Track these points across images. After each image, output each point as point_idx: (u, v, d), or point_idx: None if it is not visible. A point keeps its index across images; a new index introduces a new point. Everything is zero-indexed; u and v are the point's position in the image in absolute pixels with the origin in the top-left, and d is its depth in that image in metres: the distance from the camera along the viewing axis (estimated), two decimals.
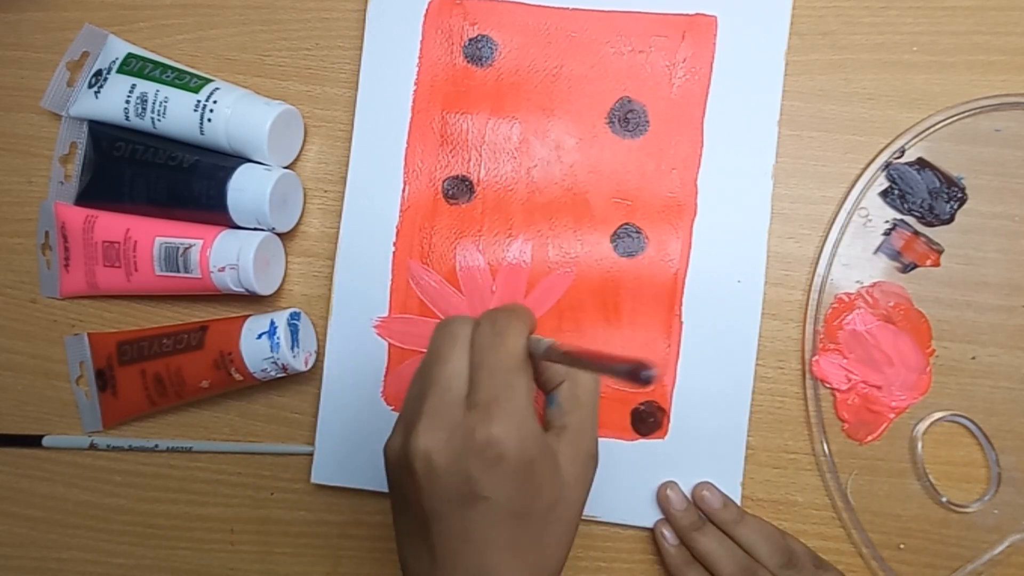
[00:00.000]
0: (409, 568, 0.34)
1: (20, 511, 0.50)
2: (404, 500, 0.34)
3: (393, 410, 0.46)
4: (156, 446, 0.49)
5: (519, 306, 0.36)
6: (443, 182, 0.47)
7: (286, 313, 0.45)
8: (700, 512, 0.44)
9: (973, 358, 0.45)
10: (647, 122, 0.46)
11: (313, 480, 0.47)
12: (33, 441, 0.50)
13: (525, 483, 0.32)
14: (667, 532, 0.44)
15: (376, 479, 0.46)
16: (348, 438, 0.46)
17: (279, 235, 0.47)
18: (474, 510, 0.32)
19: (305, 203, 0.49)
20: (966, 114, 0.45)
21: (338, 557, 0.48)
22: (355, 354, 0.47)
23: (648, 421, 0.45)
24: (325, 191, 0.48)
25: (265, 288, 0.46)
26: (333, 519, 0.48)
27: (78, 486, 0.50)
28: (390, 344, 0.47)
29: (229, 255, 0.45)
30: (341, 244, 0.47)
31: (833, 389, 0.45)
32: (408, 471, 0.32)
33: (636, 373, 0.27)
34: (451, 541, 0.32)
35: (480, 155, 0.47)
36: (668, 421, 0.45)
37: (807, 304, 0.45)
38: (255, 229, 0.46)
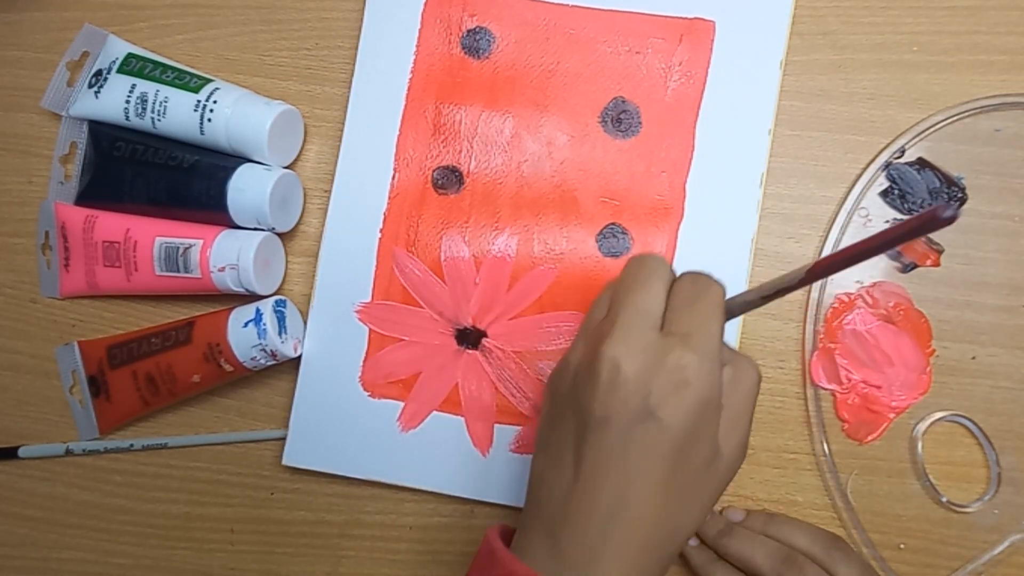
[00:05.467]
0: (545, 481, 0.35)
1: (20, 511, 0.50)
2: (567, 408, 0.34)
3: (370, 396, 0.46)
4: (131, 445, 0.49)
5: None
6: (433, 172, 0.47)
7: (271, 300, 0.45)
8: (725, 519, 0.43)
9: (973, 358, 0.44)
10: (639, 123, 0.46)
11: (284, 462, 0.47)
12: (9, 453, 0.50)
13: (696, 420, 0.32)
14: None
15: (348, 464, 0.46)
16: (322, 422, 0.46)
17: (279, 235, 0.48)
18: (642, 428, 0.32)
19: (305, 203, 0.49)
20: (966, 114, 0.45)
21: (338, 557, 0.48)
22: (335, 338, 0.47)
23: None
24: (325, 191, 0.48)
25: (265, 288, 0.46)
26: (333, 519, 0.48)
27: (78, 486, 0.50)
28: (371, 330, 0.47)
29: (229, 255, 0.45)
30: (328, 228, 0.47)
31: (833, 389, 0.45)
32: (589, 376, 0.33)
33: (935, 219, 0.26)
34: (606, 456, 0.32)
35: (472, 147, 0.47)
36: None
37: (807, 304, 0.45)
38: (255, 229, 0.46)
